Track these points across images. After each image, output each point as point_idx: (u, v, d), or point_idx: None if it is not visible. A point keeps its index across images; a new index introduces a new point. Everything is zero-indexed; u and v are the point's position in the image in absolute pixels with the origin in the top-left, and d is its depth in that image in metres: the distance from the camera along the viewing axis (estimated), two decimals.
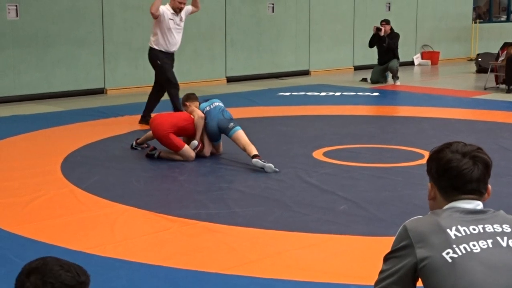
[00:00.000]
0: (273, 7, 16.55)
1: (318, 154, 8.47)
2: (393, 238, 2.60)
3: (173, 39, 10.28)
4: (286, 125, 10.31)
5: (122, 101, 12.67)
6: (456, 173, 2.57)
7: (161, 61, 10.29)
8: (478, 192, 2.59)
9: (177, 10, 10.20)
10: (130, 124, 10.37)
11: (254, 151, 7.79)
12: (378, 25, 15.31)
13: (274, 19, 16.58)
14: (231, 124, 8.21)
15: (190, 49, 15.10)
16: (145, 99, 12.98)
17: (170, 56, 10.42)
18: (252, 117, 10.99)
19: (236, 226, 5.77)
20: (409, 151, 8.59)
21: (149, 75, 14.35)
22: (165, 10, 10.17)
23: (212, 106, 8.46)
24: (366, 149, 8.81)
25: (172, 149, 8.17)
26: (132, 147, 8.71)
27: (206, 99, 8.79)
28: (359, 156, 8.41)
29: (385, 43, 15.12)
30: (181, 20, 10.31)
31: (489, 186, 2.64)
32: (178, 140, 8.15)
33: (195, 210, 6.21)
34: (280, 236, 5.60)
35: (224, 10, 15.64)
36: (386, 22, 15.51)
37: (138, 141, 8.69)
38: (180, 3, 10.15)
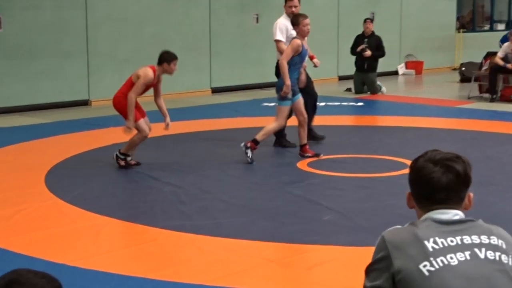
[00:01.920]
0: (257, 18, 16.58)
1: (302, 165, 8.48)
2: None
3: None
4: (270, 136, 10.29)
5: (107, 113, 12.62)
6: (424, 181, 2.57)
7: None
8: (449, 201, 2.56)
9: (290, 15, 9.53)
10: (113, 136, 10.33)
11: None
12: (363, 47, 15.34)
13: (259, 30, 16.60)
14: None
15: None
16: None
17: None
18: (237, 127, 11.00)
19: (220, 237, 5.76)
20: (394, 161, 8.62)
21: None
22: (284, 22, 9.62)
23: None
24: (351, 159, 8.83)
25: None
26: (120, 163, 8.41)
27: None
28: (344, 166, 8.43)
29: (367, 42, 15.13)
30: None
31: (470, 194, 2.62)
32: (136, 113, 8.16)
33: (179, 222, 6.20)
34: (264, 247, 5.59)
35: (209, 21, 15.66)
36: (369, 20, 15.61)
37: (122, 150, 8.49)
38: (291, 6, 9.67)
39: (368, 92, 15.41)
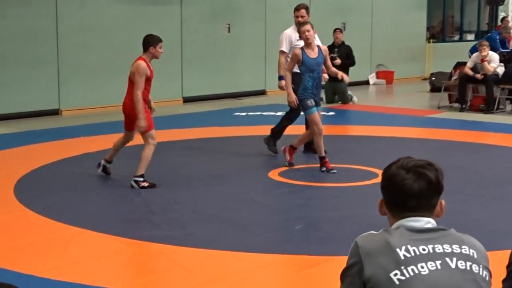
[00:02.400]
0: (229, 27, 16.59)
1: (273, 174, 8.49)
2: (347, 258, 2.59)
3: None
4: (242, 145, 10.31)
5: (77, 122, 12.57)
6: (396, 188, 2.56)
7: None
8: (421, 208, 2.55)
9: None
10: (84, 145, 10.29)
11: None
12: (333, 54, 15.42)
13: (230, 39, 16.62)
14: None
15: None
16: (100, 119, 12.93)
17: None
18: (208, 137, 10.99)
19: (190, 248, 5.74)
20: (364, 170, 8.65)
21: (104, 96, 14.33)
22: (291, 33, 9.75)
23: None
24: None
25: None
26: (102, 169, 8.30)
27: None
28: (315, 175, 8.44)
29: (337, 52, 15.19)
30: None
31: (442, 201, 2.61)
32: (151, 120, 8.02)
33: (149, 232, 6.17)
34: (234, 257, 5.58)
35: (180, 30, 15.65)
36: (339, 30, 15.70)
37: (107, 157, 8.33)
38: (297, 17, 9.64)
39: (339, 102, 15.47)
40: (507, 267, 2.68)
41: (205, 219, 6.62)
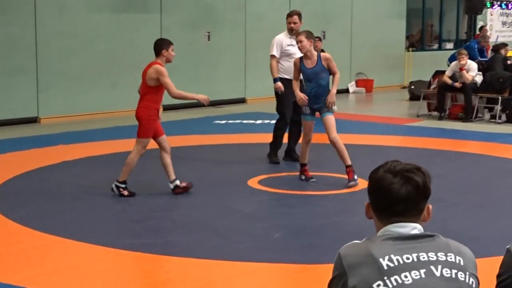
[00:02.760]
0: (209, 36, 16.60)
1: (253, 182, 8.49)
2: (328, 266, 2.58)
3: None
4: (222, 154, 10.31)
5: (56, 130, 12.51)
6: (383, 192, 2.51)
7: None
8: (407, 213, 2.50)
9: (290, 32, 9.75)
10: (63, 154, 10.23)
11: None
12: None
13: (210, 48, 16.63)
14: None
15: (126, 78, 15.03)
16: (80, 127, 12.89)
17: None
18: (188, 145, 10.97)
19: (170, 256, 5.73)
20: (344, 179, 8.66)
21: (84, 104, 14.28)
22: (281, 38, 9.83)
23: None
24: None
25: (140, 133, 8.07)
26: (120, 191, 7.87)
27: None
28: (294, 183, 8.45)
29: None
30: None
31: (429, 206, 2.57)
32: (156, 128, 8.05)
33: (129, 240, 6.15)
34: (214, 265, 5.57)
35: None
36: (318, 38, 15.75)
37: (170, 179, 7.98)
38: (290, 23, 9.81)
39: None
40: (498, 276, 2.67)
41: (185, 227, 6.61)
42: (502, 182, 8.66)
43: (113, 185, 7.81)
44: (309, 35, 8.44)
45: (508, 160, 10.01)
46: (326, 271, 5.32)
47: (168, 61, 7.99)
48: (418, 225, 2.52)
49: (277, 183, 8.45)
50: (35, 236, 6.30)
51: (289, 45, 9.67)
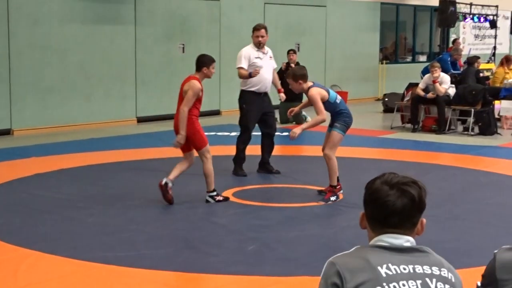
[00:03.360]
0: (183, 48, 16.60)
1: (227, 195, 8.47)
2: (302, 278, 2.57)
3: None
4: (196, 166, 10.26)
5: (29, 142, 12.43)
6: (379, 204, 2.53)
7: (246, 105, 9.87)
8: (402, 226, 2.53)
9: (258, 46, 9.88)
10: (35, 166, 10.16)
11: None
12: (286, 60, 15.59)
13: (185, 59, 16.60)
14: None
15: (100, 90, 14.98)
16: (53, 139, 12.82)
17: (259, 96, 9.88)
18: (162, 157, 10.93)
19: (143, 269, 5.70)
20: (318, 191, 8.67)
21: (57, 116, 14.20)
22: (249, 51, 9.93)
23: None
24: (275, 189, 8.87)
25: (197, 145, 8.05)
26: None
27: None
28: (269, 196, 8.46)
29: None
30: (269, 57, 9.99)
31: (423, 220, 2.60)
32: (204, 134, 8.15)
33: (102, 253, 6.11)
34: (187, 278, 5.56)
35: (135, 50, 15.60)
36: (293, 51, 15.81)
37: (171, 177, 8.07)
38: (257, 36, 9.86)
39: (294, 122, 15.53)
40: (482, 276, 2.69)
41: (159, 240, 6.58)
42: (475, 194, 8.71)
43: (207, 197, 8.07)
44: (294, 77, 8.26)
45: (481, 172, 10.08)
46: (301, 283, 5.35)
47: (207, 76, 8.30)
48: (411, 238, 2.56)
49: (251, 195, 8.45)
50: (7, 249, 6.24)
51: (256, 57, 9.80)
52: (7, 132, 13.53)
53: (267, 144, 9.93)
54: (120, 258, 5.96)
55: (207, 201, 8.06)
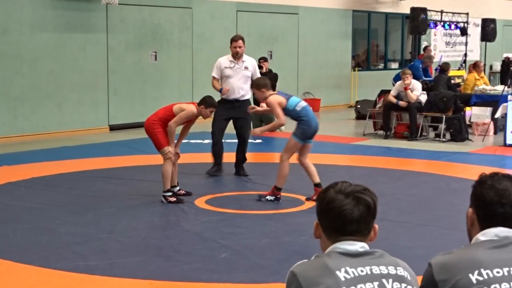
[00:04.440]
0: (156, 55, 16.57)
1: (200, 202, 8.47)
2: (275, 285, 2.61)
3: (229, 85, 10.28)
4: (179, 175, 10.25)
5: (0, 151, 12.32)
6: (336, 213, 2.57)
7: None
8: (358, 233, 2.58)
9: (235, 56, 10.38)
10: (6, 175, 10.08)
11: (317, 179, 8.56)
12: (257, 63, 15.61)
13: (157, 67, 16.60)
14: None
15: (72, 98, 14.91)
16: (24, 148, 12.73)
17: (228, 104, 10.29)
18: (134, 165, 10.90)
19: (115, 278, 5.67)
20: (290, 197, 8.71)
21: (28, 124, 14.11)
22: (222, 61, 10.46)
23: (305, 104, 8.67)
24: (248, 196, 8.87)
25: (156, 145, 8.52)
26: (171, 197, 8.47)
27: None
28: (241, 203, 8.46)
29: None
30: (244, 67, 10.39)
31: (376, 226, 2.65)
32: (163, 137, 8.47)
33: (73, 262, 6.08)
34: (160, 286, 5.54)
35: (107, 58, 15.55)
36: (264, 59, 15.85)
37: (164, 189, 8.48)
38: (235, 47, 10.32)
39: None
40: None
41: (131, 249, 6.56)
42: (446, 200, 8.77)
43: (161, 197, 8.43)
44: (257, 86, 8.67)
45: (453, 178, 10.16)
46: None
47: (200, 115, 8.64)
48: (365, 244, 2.60)
49: (224, 202, 8.44)
50: None
51: (226, 67, 10.29)
52: None
53: (238, 147, 10.47)
54: (92, 267, 5.93)
55: (161, 201, 8.40)
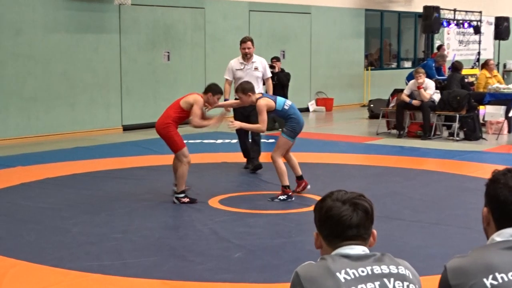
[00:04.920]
0: (168, 56, 16.59)
1: (213, 202, 8.47)
2: (287, 285, 2.63)
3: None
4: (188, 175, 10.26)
5: (14, 152, 12.38)
6: (335, 220, 2.63)
7: None
8: (359, 237, 2.64)
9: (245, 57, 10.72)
10: (20, 175, 10.12)
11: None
12: (270, 63, 15.60)
13: (170, 67, 16.62)
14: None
15: (85, 98, 14.95)
16: (38, 148, 12.77)
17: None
18: (148, 165, 10.92)
19: (128, 277, 5.68)
20: (303, 197, 8.69)
21: (41, 125, 14.16)
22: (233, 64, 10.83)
23: (291, 102, 8.73)
24: (261, 196, 8.86)
25: (173, 148, 8.56)
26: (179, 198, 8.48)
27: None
28: (254, 203, 8.45)
29: (276, 80, 15.34)
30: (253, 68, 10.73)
31: (374, 231, 2.71)
32: (179, 139, 8.57)
33: (87, 262, 6.09)
34: (174, 286, 5.54)
35: (120, 58, 15.58)
36: (276, 59, 15.83)
37: (178, 190, 8.51)
38: (244, 48, 10.68)
39: (280, 129, 15.54)
40: None
41: (145, 249, 6.56)
42: (459, 199, 8.74)
43: (174, 198, 8.46)
44: (243, 90, 8.70)
45: (466, 177, 10.12)
46: None
47: (207, 103, 8.72)
48: (366, 248, 2.66)
49: (237, 202, 8.44)
50: None
51: (237, 69, 10.63)
52: None
53: (252, 146, 10.72)
54: (105, 267, 5.95)
55: (174, 202, 8.42)
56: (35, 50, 14.07)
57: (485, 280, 2.55)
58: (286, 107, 8.58)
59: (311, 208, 7.98)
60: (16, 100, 13.83)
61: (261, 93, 8.95)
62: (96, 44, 15.12)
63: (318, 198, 8.33)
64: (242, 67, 10.63)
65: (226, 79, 10.80)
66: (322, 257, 2.62)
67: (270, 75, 10.95)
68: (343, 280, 2.49)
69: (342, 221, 2.62)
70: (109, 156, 11.99)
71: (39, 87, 14.18)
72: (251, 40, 10.73)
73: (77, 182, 9.71)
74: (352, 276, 2.50)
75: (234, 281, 5.63)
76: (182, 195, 8.45)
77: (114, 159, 11.67)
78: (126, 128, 15.75)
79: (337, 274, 2.50)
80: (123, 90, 15.71)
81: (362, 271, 2.52)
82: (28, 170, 10.53)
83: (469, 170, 10.75)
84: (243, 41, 10.70)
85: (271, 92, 10.71)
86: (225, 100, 10.29)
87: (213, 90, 8.61)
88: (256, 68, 10.65)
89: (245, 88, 8.66)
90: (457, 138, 14.07)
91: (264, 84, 10.95)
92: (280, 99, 8.66)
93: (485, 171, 10.48)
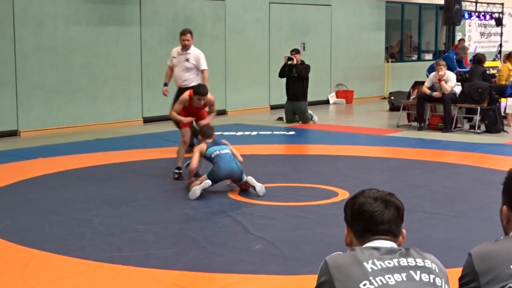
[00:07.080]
0: None
1: (233, 194, 8.50)
2: (308, 277, 2.67)
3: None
4: (202, 165, 10.29)
5: (36, 143, 12.46)
6: (368, 215, 2.68)
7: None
8: (390, 233, 2.69)
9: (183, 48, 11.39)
10: (42, 167, 10.19)
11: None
12: (289, 55, 15.59)
13: None
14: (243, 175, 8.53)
15: (106, 90, 15.02)
16: (59, 140, 12.85)
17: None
18: (168, 157, 10.95)
19: (150, 268, 5.71)
20: (323, 189, 8.69)
21: (63, 117, 14.25)
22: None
23: (222, 152, 8.60)
24: (281, 188, 8.87)
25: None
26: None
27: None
28: (274, 195, 8.46)
29: (295, 72, 15.32)
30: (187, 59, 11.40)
31: (403, 230, 2.75)
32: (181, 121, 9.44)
33: (109, 253, 6.13)
34: (194, 277, 5.57)
35: (140, 50, 15.63)
36: (296, 51, 15.77)
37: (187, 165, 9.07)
38: (183, 40, 11.32)
39: (300, 121, 15.55)
40: (460, 279, 2.74)
41: (166, 240, 6.60)
42: (481, 192, 8.71)
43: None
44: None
45: (488, 169, 10.08)
46: (307, 282, 5.35)
47: (192, 101, 9.47)
48: (395, 245, 2.70)
49: (257, 194, 8.44)
50: (15, 250, 6.26)
51: (173, 57, 11.55)
52: (13, 134, 13.58)
53: None
54: (126, 258, 5.98)
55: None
56: (56, 42, 14.15)
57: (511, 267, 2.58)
58: (213, 156, 8.57)
59: (331, 200, 8.02)
60: (38, 92, 13.91)
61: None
62: (117, 37, 15.18)
63: (338, 190, 8.40)
64: (176, 56, 11.46)
65: (168, 65, 11.78)
66: (352, 248, 2.68)
67: (204, 67, 11.42)
68: (370, 270, 2.53)
69: (375, 216, 2.67)
70: (130, 148, 12.05)
71: (60, 79, 14.26)
72: (191, 33, 11.42)
73: (98, 174, 9.77)
74: (379, 267, 2.55)
75: (254, 273, 5.65)
76: (176, 170, 9.27)
77: (135, 151, 11.72)
78: (147, 120, 15.80)
79: (365, 263, 2.55)
80: (143, 82, 15.75)
81: (389, 263, 2.57)
82: (49, 161, 10.59)
83: (490, 163, 10.70)
84: (183, 33, 11.39)
85: (207, 83, 10.89)
86: (165, 84, 11.78)
87: (193, 91, 9.40)
88: (187, 60, 11.34)
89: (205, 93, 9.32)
90: (478, 131, 14.01)
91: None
92: (215, 148, 8.68)
93: (506, 164, 10.43)
